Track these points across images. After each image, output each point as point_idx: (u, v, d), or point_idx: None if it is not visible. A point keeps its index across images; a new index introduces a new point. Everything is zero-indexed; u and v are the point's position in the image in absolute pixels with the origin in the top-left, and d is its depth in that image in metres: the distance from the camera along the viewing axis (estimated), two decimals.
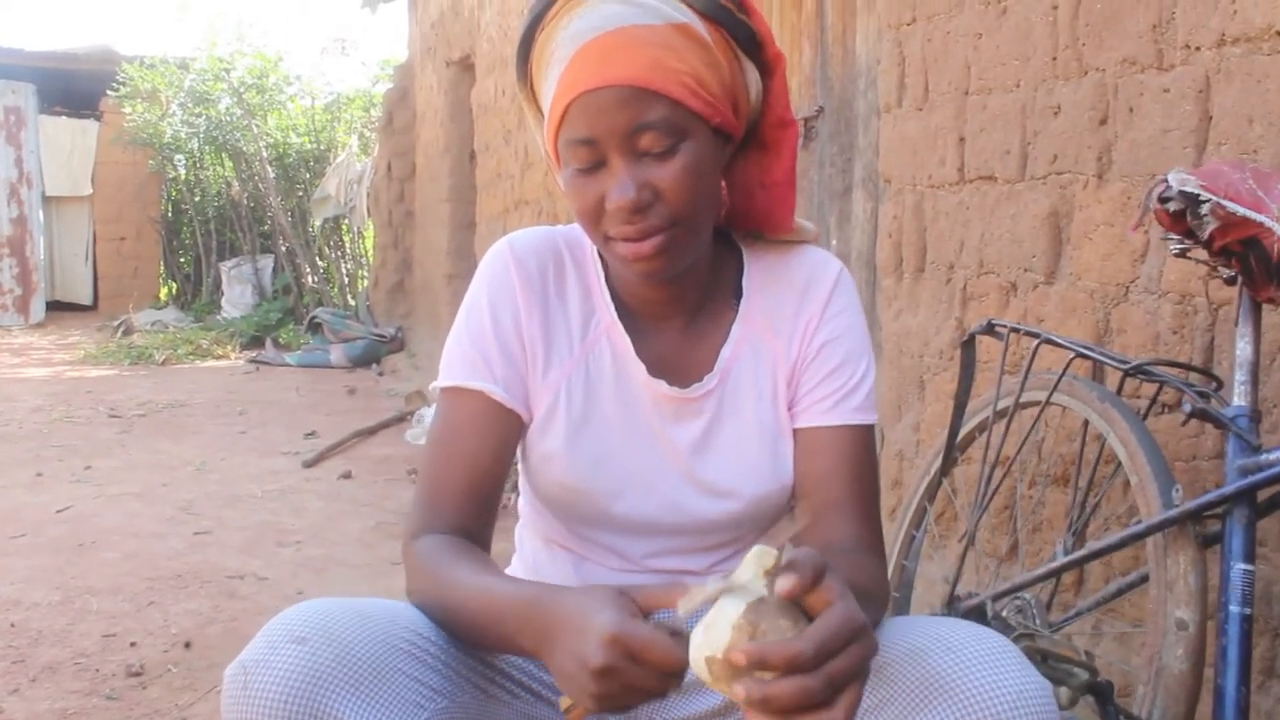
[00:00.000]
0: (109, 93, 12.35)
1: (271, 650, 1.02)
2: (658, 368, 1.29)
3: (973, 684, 1.00)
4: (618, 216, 1.14)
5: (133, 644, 2.88)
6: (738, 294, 1.31)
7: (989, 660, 1.02)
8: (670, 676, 0.92)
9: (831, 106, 3.40)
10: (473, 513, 1.23)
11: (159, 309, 12.56)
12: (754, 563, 0.89)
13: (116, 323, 11.28)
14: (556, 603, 1.00)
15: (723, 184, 1.29)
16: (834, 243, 3.41)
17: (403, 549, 1.25)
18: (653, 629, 0.92)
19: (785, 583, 0.87)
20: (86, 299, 13.31)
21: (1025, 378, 1.84)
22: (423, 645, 1.12)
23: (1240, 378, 1.47)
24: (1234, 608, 1.36)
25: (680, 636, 0.91)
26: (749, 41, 1.20)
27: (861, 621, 0.87)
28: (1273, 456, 1.37)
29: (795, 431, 1.28)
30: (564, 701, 0.98)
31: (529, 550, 1.42)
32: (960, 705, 1.00)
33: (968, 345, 1.98)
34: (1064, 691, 1.43)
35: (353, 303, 11.30)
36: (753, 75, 1.22)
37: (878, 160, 2.96)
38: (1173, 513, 1.46)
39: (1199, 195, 1.42)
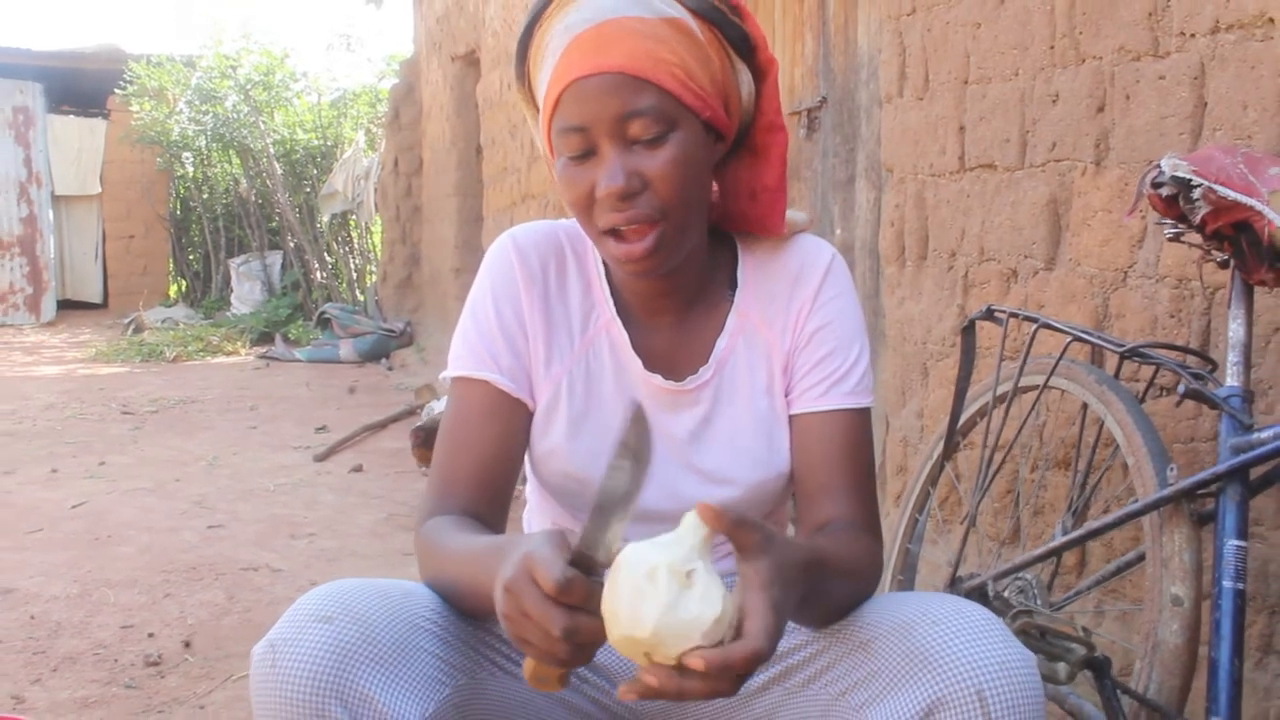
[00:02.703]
0: (116, 91, 12.42)
1: (299, 629, 1.06)
2: (654, 361, 1.32)
3: (957, 656, 1.03)
4: (607, 204, 1.17)
5: (150, 635, 2.93)
6: (733, 286, 1.34)
7: (973, 633, 1.05)
8: (556, 608, 0.90)
9: (834, 97, 3.43)
10: (484, 499, 1.27)
11: (169, 306, 12.65)
12: (691, 533, 0.93)
13: (127, 320, 11.37)
14: (511, 544, 1.03)
15: (715, 186, 1.31)
16: (838, 232, 3.44)
17: (414, 536, 1.29)
18: (558, 556, 0.92)
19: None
20: (96, 297, 13.40)
21: (1023, 362, 1.87)
22: (443, 624, 1.16)
23: (1233, 359, 1.50)
24: (1227, 583, 1.39)
25: (582, 571, 0.92)
26: (741, 43, 1.23)
27: (784, 600, 0.94)
28: (1264, 435, 1.40)
29: (791, 417, 1.31)
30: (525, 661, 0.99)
31: None
32: (944, 676, 1.03)
33: (968, 331, 2.00)
34: (1062, 667, 1.47)
35: (361, 298, 11.37)
36: (744, 76, 1.25)
37: (880, 150, 2.99)
38: (1168, 491, 1.50)
39: (1190, 180, 1.45)
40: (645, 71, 1.15)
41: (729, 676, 0.89)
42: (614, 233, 1.19)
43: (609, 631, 0.90)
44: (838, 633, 1.16)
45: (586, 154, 1.18)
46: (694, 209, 1.21)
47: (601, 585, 0.91)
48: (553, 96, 1.18)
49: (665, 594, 0.88)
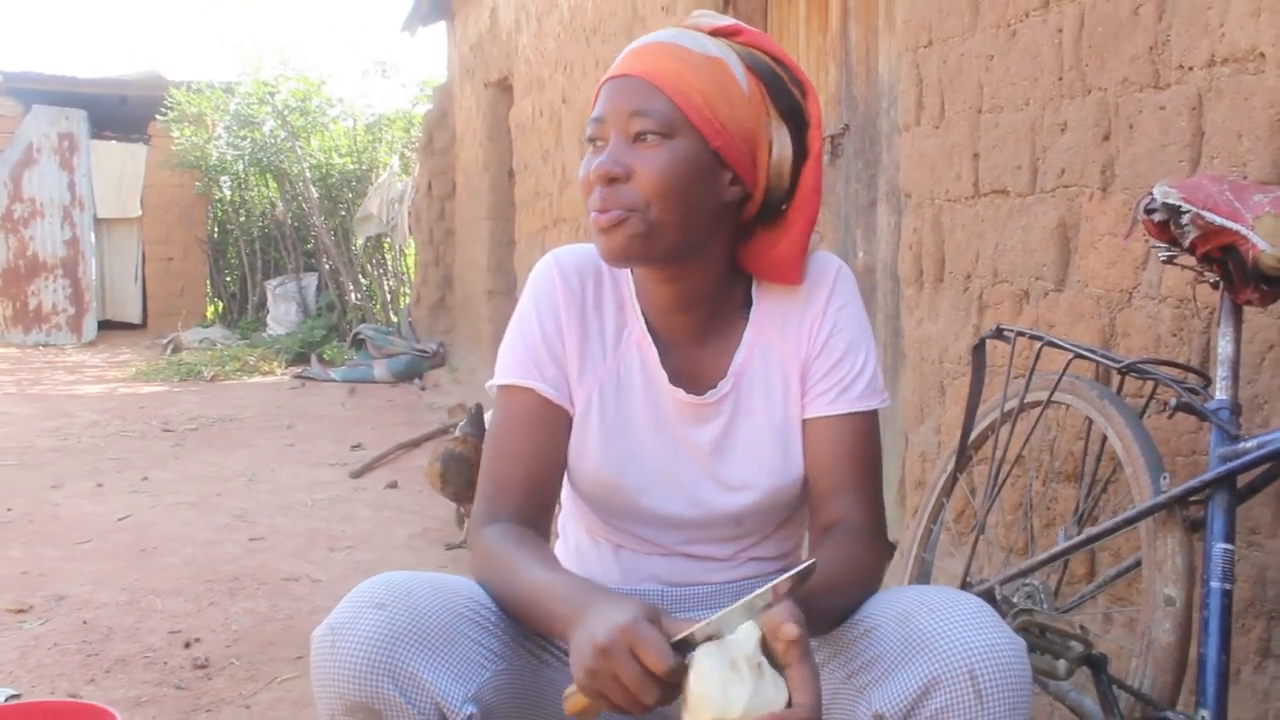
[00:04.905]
0: (157, 117, 12.67)
1: (356, 614, 1.18)
2: (678, 377, 1.43)
3: (950, 639, 1.14)
4: (595, 186, 1.31)
5: (197, 639, 3.06)
6: (748, 304, 1.45)
7: (965, 619, 1.15)
8: (655, 684, 1.03)
9: (856, 124, 3.54)
10: (532, 500, 1.38)
11: (206, 327, 12.84)
12: (750, 634, 1.06)
13: (165, 340, 11.56)
14: (594, 593, 1.16)
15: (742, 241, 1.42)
16: (860, 255, 3.54)
17: (468, 536, 1.41)
18: (660, 636, 1.05)
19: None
20: (136, 318, 13.62)
21: (1029, 379, 1.97)
22: (485, 614, 1.27)
23: (1222, 373, 1.59)
24: (1215, 583, 1.48)
25: (681, 656, 1.05)
26: (790, 111, 1.35)
27: (818, 682, 1.06)
28: (1249, 445, 1.49)
29: (804, 422, 1.41)
30: (567, 692, 1.12)
31: (573, 538, 1.57)
32: (939, 658, 1.13)
33: (978, 350, 2.10)
34: (1061, 663, 1.56)
35: (395, 319, 11.52)
36: (783, 139, 1.36)
37: (899, 175, 3.09)
38: (1161, 498, 1.59)
39: (1180, 206, 1.55)
40: (660, 82, 1.30)
41: None
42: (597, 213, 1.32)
43: (695, 715, 1.04)
44: (844, 624, 1.27)
45: (601, 143, 1.33)
46: (677, 216, 1.31)
47: (687, 666, 1.06)
48: (595, 93, 1.36)
49: (749, 681, 1.03)
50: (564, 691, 1.14)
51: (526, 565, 1.26)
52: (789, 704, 1.03)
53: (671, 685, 1.04)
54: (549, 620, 1.19)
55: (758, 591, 1.08)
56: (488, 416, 4.58)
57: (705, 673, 1.04)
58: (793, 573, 1.09)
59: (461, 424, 4.39)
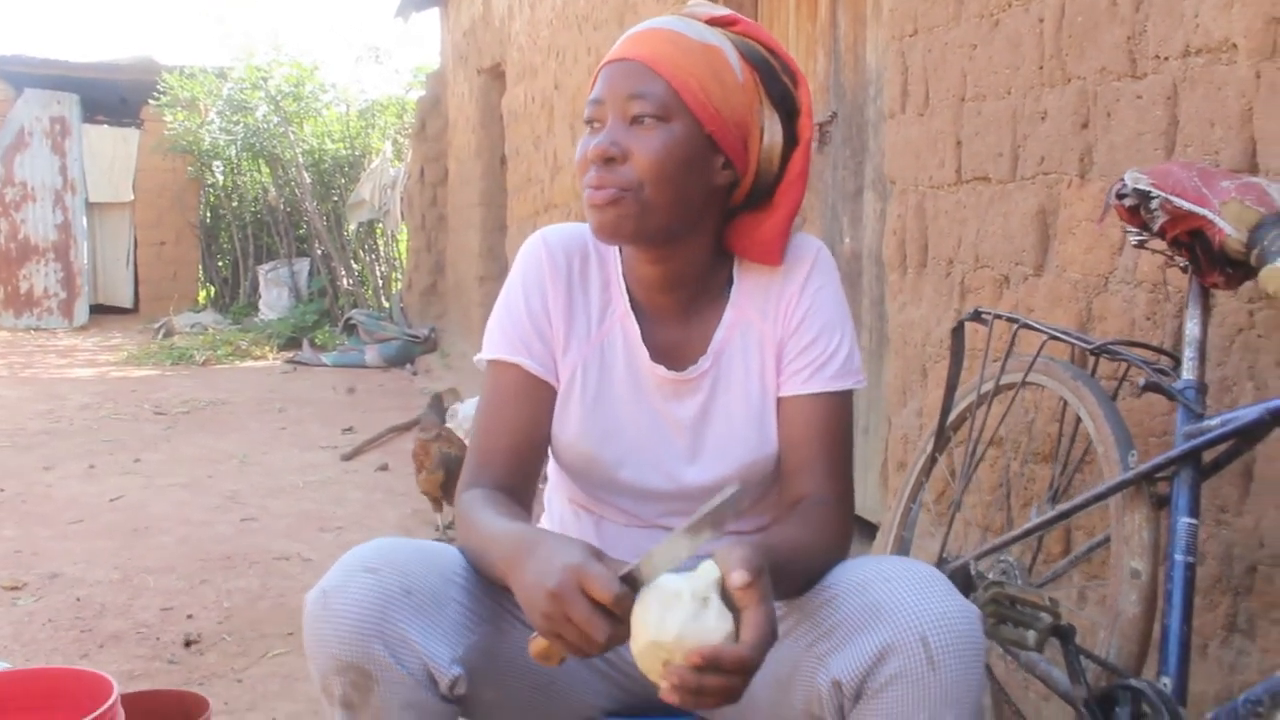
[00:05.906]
0: (150, 102, 12.66)
1: (348, 578, 1.22)
2: (660, 353, 1.47)
3: (904, 607, 1.18)
4: (591, 165, 1.35)
5: (189, 616, 3.10)
6: (730, 283, 1.49)
7: (919, 588, 1.20)
8: (605, 620, 1.07)
9: (844, 112, 3.58)
10: (516, 474, 1.43)
11: (198, 311, 12.86)
12: (707, 573, 1.10)
13: (157, 325, 11.58)
14: (537, 538, 1.20)
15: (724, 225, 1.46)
16: (847, 240, 3.59)
17: (454, 502, 1.45)
18: (606, 570, 1.09)
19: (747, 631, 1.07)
20: (127, 302, 13.62)
21: (1005, 361, 2.01)
22: (471, 580, 1.32)
23: (1189, 354, 1.64)
24: (1178, 556, 1.53)
25: (630, 589, 1.09)
26: (781, 98, 1.40)
27: (775, 624, 1.09)
28: (1213, 423, 1.53)
29: (779, 400, 1.45)
30: (531, 636, 1.17)
31: (557, 511, 1.61)
32: (893, 625, 1.18)
33: (957, 332, 2.15)
34: (1031, 634, 1.61)
35: (387, 304, 11.55)
36: (774, 126, 1.41)
37: (885, 162, 3.13)
38: (1129, 475, 1.63)
39: (1150, 192, 1.60)
40: (658, 65, 1.34)
41: (732, 674, 1.05)
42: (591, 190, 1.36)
43: (635, 639, 1.08)
44: (810, 591, 1.31)
45: (598, 124, 1.37)
46: (669, 198, 1.35)
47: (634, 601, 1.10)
48: (594, 76, 1.39)
49: (689, 608, 1.07)
50: (529, 636, 1.18)
51: (486, 518, 1.32)
52: (736, 641, 1.07)
53: (622, 623, 1.08)
54: (499, 566, 1.23)
55: (688, 522, 1.12)
56: (453, 408, 4.66)
57: (646, 600, 1.09)
58: (716, 501, 1.13)
59: (423, 412, 4.44)
